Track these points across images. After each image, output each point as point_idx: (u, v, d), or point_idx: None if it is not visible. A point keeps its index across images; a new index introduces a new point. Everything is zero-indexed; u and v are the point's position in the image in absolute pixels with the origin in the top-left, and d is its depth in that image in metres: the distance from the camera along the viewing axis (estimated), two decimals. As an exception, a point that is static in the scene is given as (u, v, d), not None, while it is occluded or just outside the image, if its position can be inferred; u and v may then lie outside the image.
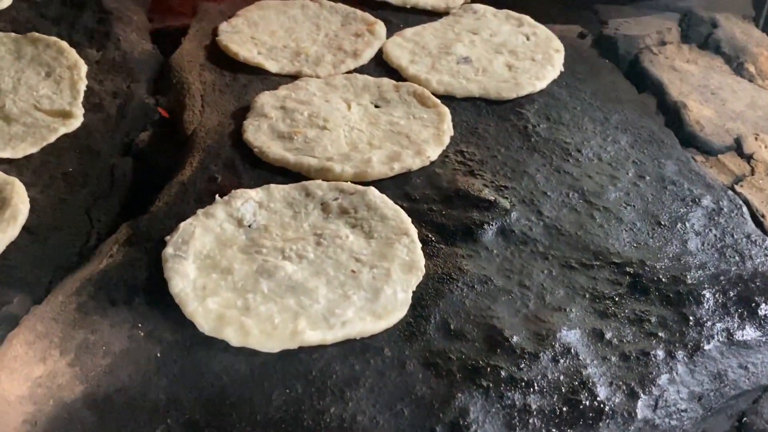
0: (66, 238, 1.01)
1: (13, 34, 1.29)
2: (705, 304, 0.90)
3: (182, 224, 0.96)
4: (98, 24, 1.36)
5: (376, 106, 1.23)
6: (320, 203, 1.02)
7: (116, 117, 1.20)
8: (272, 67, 1.31)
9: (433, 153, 1.13)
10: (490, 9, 1.51)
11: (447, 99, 1.26)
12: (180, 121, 1.20)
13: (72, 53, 1.26)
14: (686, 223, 1.03)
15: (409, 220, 0.99)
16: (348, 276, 0.90)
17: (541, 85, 1.30)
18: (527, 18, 1.48)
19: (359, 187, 1.04)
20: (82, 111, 1.17)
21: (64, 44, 1.27)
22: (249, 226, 0.97)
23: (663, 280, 0.93)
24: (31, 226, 0.99)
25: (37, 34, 1.29)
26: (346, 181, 1.06)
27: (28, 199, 1.02)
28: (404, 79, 1.31)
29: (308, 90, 1.24)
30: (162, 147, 1.21)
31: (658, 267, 0.95)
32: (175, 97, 1.26)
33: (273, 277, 0.89)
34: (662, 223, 1.03)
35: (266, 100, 1.20)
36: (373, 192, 1.03)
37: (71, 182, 1.08)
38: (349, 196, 1.02)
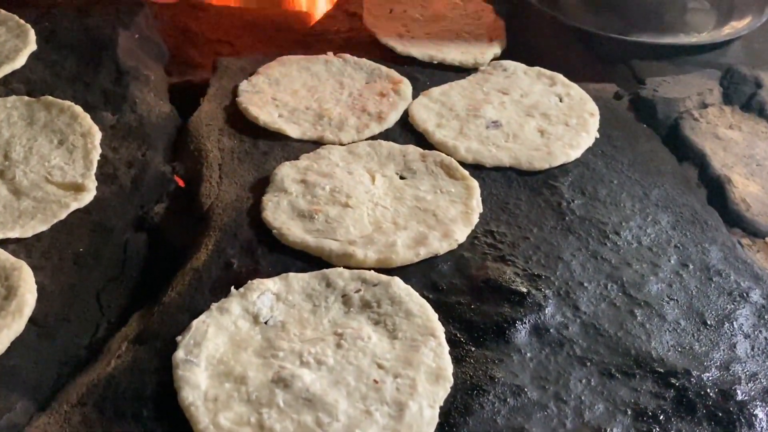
0: (74, 330, 0.96)
1: (26, 97, 1.25)
2: (758, 426, 0.83)
3: (195, 322, 0.90)
4: (114, 85, 1.31)
5: (402, 177, 1.17)
6: (341, 295, 0.96)
7: (130, 189, 1.15)
8: (294, 132, 1.26)
9: (461, 235, 1.06)
10: (521, 66, 1.44)
11: (476, 168, 1.20)
12: (196, 194, 1.15)
13: (86, 119, 1.21)
14: (734, 323, 0.96)
15: (435, 317, 0.93)
16: (370, 387, 0.84)
17: (575, 154, 1.23)
18: (560, 76, 1.41)
19: (383, 277, 0.98)
20: (95, 183, 1.13)
21: (78, 109, 1.23)
22: (265, 323, 0.92)
23: (711, 394, 0.86)
24: (38, 317, 0.94)
25: (50, 98, 1.24)
26: (369, 268, 1.00)
27: (35, 287, 0.97)
28: (431, 144, 1.25)
29: (330, 160, 1.19)
30: (177, 220, 1.16)
31: (705, 378, 0.88)
32: (192, 165, 1.21)
33: (290, 388, 0.83)
34: (708, 322, 0.96)
35: (286, 172, 1.15)
36: (397, 284, 0.97)
37: (81, 264, 1.03)
38: (372, 288, 0.96)
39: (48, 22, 1.43)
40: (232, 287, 0.95)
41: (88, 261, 1.04)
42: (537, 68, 1.43)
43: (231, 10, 1.74)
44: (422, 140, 1.27)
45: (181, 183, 1.22)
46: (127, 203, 1.13)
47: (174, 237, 1.14)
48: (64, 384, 0.89)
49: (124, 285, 1.05)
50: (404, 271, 1.01)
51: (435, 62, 1.46)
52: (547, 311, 0.96)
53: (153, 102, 1.31)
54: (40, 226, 1.06)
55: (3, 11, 1.44)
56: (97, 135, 1.19)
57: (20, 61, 1.32)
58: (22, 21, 1.40)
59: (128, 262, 1.07)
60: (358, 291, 0.96)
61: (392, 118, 1.30)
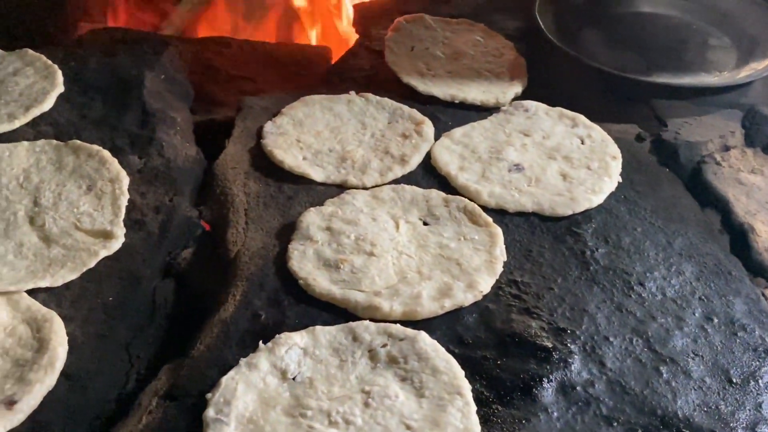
0: (104, 383, 0.97)
1: (54, 141, 1.27)
2: (786, 495, 0.83)
3: (224, 379, 0.91)
4: (141, 127, 1.32)
5: (425, 224, 1.18)
6: (368, 350, 0.97)
7: (158, 235, 1.16)
8: (318, 176, 1.27)
9: (486, 286, 1.07)
10: (542, 106, 1.45)
11: (498, 213, 1.21)
12: (223, 240, 1.16)
13: (114, 164, 1.23)
14: (759, 381, 0.96)
15: (462, 374, 0.94)
16: (398, 450, 0.85)
17: (598, 200, 1.24)
18: (581, 117, 1.41)
19: (409, 331, 0.98)
20: (124, 230, 1.14)
21: (107, 154, 1.24)
22: (293, 379, 0.93)
23: (738, 457, 0.86)
24: (69, 370, 0.96)
25: (78, 142, 1.26)
26: (395, 321, 1.01)
27: (66, 340, 0.98)
28: (453, 187, 1.26)
29: (355, 205, 1.20)
30: (204, 266, 1.17)
31: (732, 441, 0.88)
32: (218, 210, 1.22)
33: (319, 451, 0.84)
34: (733, 380, 0.96)
35: (312, 219, 1.16)
36: (423, 339, 0.97)
37: (111, 314, 1.05)
38: (399, 343, 0.97)
39: (74, 62, 1.44)
40: (261, 342, 0.96)
41: (117, 310, 1.05)
42: (558, 109, 1.44)
43: (252, 46, 1.75)
44: (445, 183, 1.27)
45: (207, 227, 1.23)
46: (155, 250, 1.15)
47: (200, 283, 1.15)
48: (96, 441, 0.91)
49: (152, 334, 1.06)
50: (429, 324, 1.02)
51: (456, 101, 1.47)
52: (573, 368, 0.96)
53: (179, 145, 1.32)
54: (70, 275, 1.07)
55: (30, 51, 1.46)
56: (125, 180, 1.21)
57: (48, 103, 1.33)
58: (49, 62, 1.42)
59: (156, 311, 1.09)
60: (384, 346, 0.97)
61: (415, 160, 1.31)
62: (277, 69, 1.68)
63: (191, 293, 1.14)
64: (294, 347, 0.96)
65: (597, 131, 1.39)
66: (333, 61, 1.74)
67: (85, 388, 0.95)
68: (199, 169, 1.31)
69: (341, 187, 1.26)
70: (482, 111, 1.45)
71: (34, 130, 1.30)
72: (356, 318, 1.02)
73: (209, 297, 1.12)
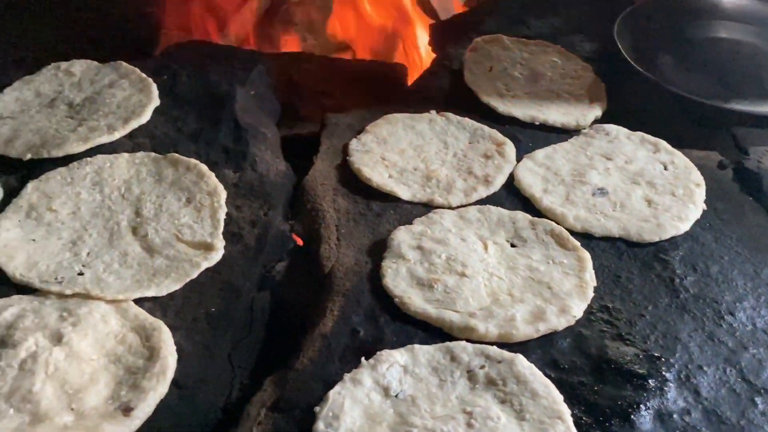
0: (211, 392, 1.01)
1: (153, 154, 1.31)
2: None
3: (331, 394, 0.94)
4: (234, 142, 1.37)
5: (513, 245, 1.20)
6: (466, 371, 0.99)
7: (255, 248, 1.20)
8: (404, 194, 1.30)
9: (578, 310, 1.09)
10: (623, 130, 1.46)
11: (584, 237, 1.23)
12: (317, 255, 1.19)
13: (212, 178, 1.27)
14: None
15: (561, 398, 0.96)
16: (504, 471, 0.87)
17: (684, 227, 1.25)
18: (663, 143, 1.42)
19: (506, 354, 1.01)
20: (223, 243, 1.18)
21: (204, 168, 1.28)
22: (396, 396, 0.95)
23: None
24: (179, 378, 1.00)
25: (176, 156, 1.30)
26: (490, 343, 1.03)
27: (175, 349, 1.02)
28: (537, 210, 1.28)
29: (443, 225, 1.22)
30: (297, 279, 1.21)
31: (832, 475, 0.89)
32: (309, 225, 1.26)
33: (427, 469, 0.86)
34: (831, 414, 0.96)
35: (402, 237, 1.19)
36: (521, 362, 0.99)
37: (214, 324, 1.08)
38: (497, 365, 0.99)
39: (167, 75, 1.50)
40: (363, 358, 0.99)
41: (219, 321, 1.09)
42: (640, 133, 1.45)
43: (331, 61, 1.79)
44: (528, 205, 1.30)
45: (299, 242, 1.27)
46: (253, 262, 1.18)
47: (294, 295, 1.19)
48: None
49: (251, 345, 1.10)
50: (524, 347, 1.04)
51: (537, 123, 1.49)
52: (669, 396, 0.98)
53: (270, 160, 1.36)
54: (174, 285, 1.11)
55: (124, 64, 1.51)
56: (223, 194, 1.25)
57: (146, 116, 1.38)
58: (143, 75, 1.47)
59: (254, 322, 1.12)
60: (482, 367, 0.99)
61: (498, 181, 1.33)
62: (357, 85, 1.72)
63: (285, 305, 1.18)
64: (395, 365, 0.99)
65: (679, 157, 1.40)
66: (408, 79, 1.78)
67: (194, 397, 0.99)
68: (289, 184, 1.35)
69: (427, 206, 1.29)
70: (562, 133, 1.47)
71: (132, 142, 1.35)
72: (450, 337, 1.05)
73: (303, 309, 1.16)
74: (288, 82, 1.67)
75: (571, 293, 1.11)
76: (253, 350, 1.09)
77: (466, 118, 1.48)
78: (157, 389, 0.96)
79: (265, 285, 1.19)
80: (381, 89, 1.71)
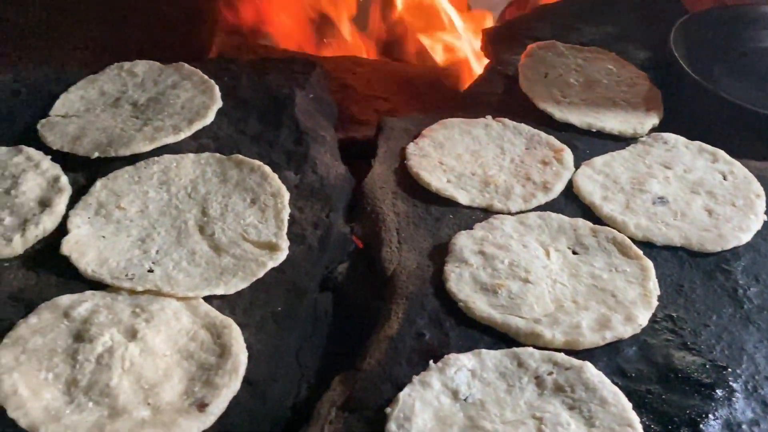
0: (280, 390, 1.02)
1: (217, 154, 1.33)
2: None
3: (401, 395, 0.96)
4: (295, 145, 1.38)
5: (574, 252, 1.21)
6: (534, 376, 1.00)
7: (318, 249, 1.22)
8: (463, 199, 1.31)
9: (644, 319, 1.09)
10: (681, 139, 1.46)
11: (645, 245, 1.23)
12: (378, 258, 1.20)
13: (275, 180, 1.29)
14: None
15: (630, 406, 0.96)
16: (577, 477, 0.87)
17: (746, 237, 1.24)
18: (722, 153, 1.42)
19: (574, 361, 1.01)
20: (287, 243, 1.20)
21: (267, 169, 1.30)
22: (465, 400, 0.96)
23: None
24: (250, 376, 1.01)
25: (240, 157, 1.32)
26: (557, 349, 1.04)
27: (245, 346, 1.04)
28: (597, 217, 1.28)
29: (504, 231, 1.23)
30: (358, 281, 1.22)
31: None
32: (370, 228, 1.27)
33: (500, 472, 0.87)
34: None
35: (464, 243, 1.20)
36: (590, 369, 1.00)
37: (281, 323, 1.10)
38: (565, 372, 1.00)
39: (227, 78, 1.52)
40: (431, 361, 1.00)
41: (286, 320, 1.11)
42: (698, 143, 1.45)
43: (383, 65, 1.81)
44: (588, 212, 1.30)
45: (359, 244, 1.28)
46: (316, 263, 1.20)
47: (356, 297, 1.20)
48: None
49: (316, 344, 1.11)
50: (589, 354, 1.04)
51: (593, 130, 1.49)
52: (737, 406, 0.98)
53: (330, 162, 1.38)
54: (242, 284, 1.13)
55: (186, 65, 1.53)
56: (286, 195, 1.26)
57: (210, 117, 1.40)
58: (205, 76, 1.50)
59: (318, 322, 1.14)
60: (550, 374, 1.00)
61: (557, 188, 1.34)
62: (409, 89, 1.73)
63: (347, 306, 1.19)
64: (463, 369, 1.00)
65: (738, 167, 1.39)
66: (460, 83, 1.79)
67: (264, 395, 1.01)
68: (348, 186, 1.36)
69: (486, 211, 1.29)
70: (618, 141, 1.47)
71: (196, 143, 1.37)
72: (516, 343, 1.06)
73: (365, 311, 1.17)
74: (341, 85, 1.68)
75: (635, 302, 1.11)
76: (318, 350, 1.11)
77: (522, 124, 1.48)
78: (230, 386, 0.98)
79: (327, 286, 1.20)
80: (433, 93, 1.72)
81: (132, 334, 1.01)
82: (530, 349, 1.03)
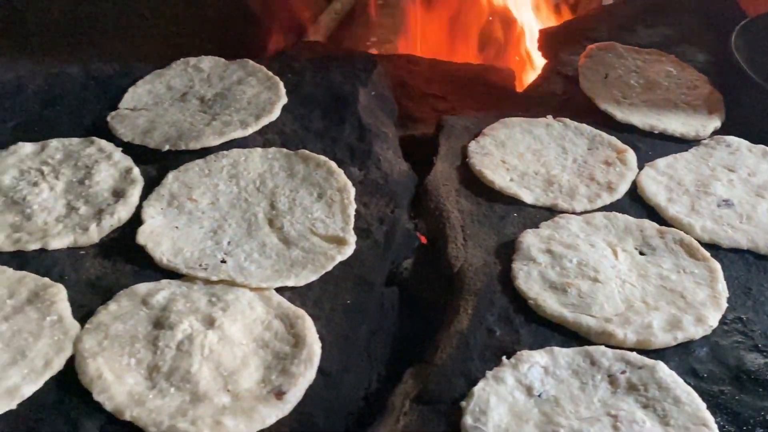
0: (353, 381, 1.04)
1: (284, 149, 1.36)
2: None
3: (476, 389, 0.96)
4: (359, 141, 1.40)
5: (641, 253, 1.21)
6: (607, 375, 1.00)
7: (384, 244, 1.23)
8: (528, 197, 1.31)
9: (714, 320, 1.08)
10: (744, 143, 1.45)
11: (711, 248, 1.22)
12: (444, 254, 1.21)
13: (341, 175, 1.30)
14: None
15: (704, 405, 0.96)
16: (655, 476, 0.88)
17: (815, 243, 1.23)
18: (787, 156, 1.41)
19: (647, 360, 1.01)
20: (355, 238, 1.21)
21: (333, 165, 1.32)
22: (539, 396, 0.97)
23: None
24: (323, 366, 1.03)
25: (307, 152, 1.34)
26: (628, 349, 1.04)
27: (318, 337, 1.06)
28: (662, 219, 1.28)
29: (570, 230, 1.23)
30: (423, 276, 1.23)
31: None
32: (434, 225, 1.28)
33: (578, 467, 0.88)
34: None
35: (531, 241, 1.20)
36: (662, 368, 1.00)
37: (350, 316, 1.12)
38: (638, 370, 1.00)
39: (291, 74, 1.54)
40: (504, 357, 1.01)
41: (355, 313, 1.12)
42: (762, 146, 1.44)
43: (440, 64, 1.82)
44: (652, 214, 1.30)
45: (423, 240, 1.29)
46: (382, 258, 1.21)
47: (421, 292, 1.21)
48: (353, 436, 0.98)
49: (384, 337, 1.13)
50: (660, 354, 1.04)
51: (655, 132, 1.48)
52: (813, 410, 0.97)
53: (393, 159, 1.39)
54: (311, 276, 1.14)
55: (251, 62, 1.56)
56: (352, 191, 1.28)
57: (275, 113, 1.43)
58: (270, 73, 1.52)
59: (386, 315, 1.15)
60: (623, 372, 1.00)
61: (622, 189, 1.34)
62: (466, 88, 1.74)
63: (412, 301, 1.20)
64: (535, 365, 1.00)
65: (804, 172, 1.38)
66: (516, 83, 1.79)
67: (338, 385, 1.02)
68: (411, 183, 1.37)
69: (550, 211, 1.30)
70: (680, 143, 1.46)
71: (262, 138, 1.40)
72: (587, 341, 1.06)
73: (430, 306, 1.18)
74: (399, 83, 1.70)
75: (705, 303, 1.11)
76: (386, 343, 1.12)
77: (584, 124, 1.48)
78: (306, 375, 1.00)
79: (392, 281, 1.22)
80: (489, 92, 1.73)
81: (210, 322, 1.04)
82: (602, 348, 1.03)
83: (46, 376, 0.96)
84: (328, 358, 1.04)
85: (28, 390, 0.93)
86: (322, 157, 1.34)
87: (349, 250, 1.19)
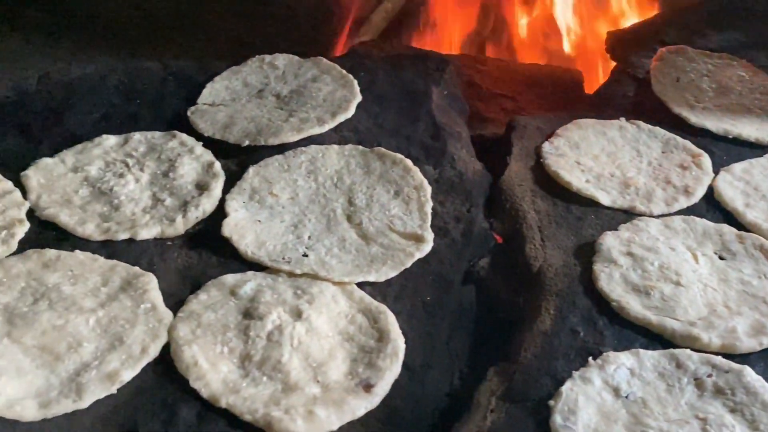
0: (436, 377, 1.05)
1: (360, 147, 1.37)
2: None
3: (563, 389, 0.97)
4: (433, 140, 1.41)
5: (721, 258, 1.20)
6: (693, 378, 1.00)
7: (461, 243, 1.24)
8: (605, 199, 1.31)
9: (799, 327, 1.08)
10: (821, 150, 1.43)
11: (790, 254, 1.21)
12: (522, 254, 1.22)
13: (417, 173, 1.32)
14: None
15: (794, 412, 0.95)
16: (750, 481, 0.87)
17: None
18: None
19: (734, 364, 1.01)
20: (432, 235, 1.22)
21: (409, 163, 1.33)
22: (626, 397, 0.97)
23: None
24: (407, 361, 1.04)
25: (383, 150, 1.36)
26: (713, 353, 1.03)
27: (401, 332, 1.07)
28: (740, 224, 1.27)
29: (650, 233, 1.23)
30: (500, 276, 1.24)
31: None
32: (510, 225, 1.29)
33: (670, 470, 0.88)
34: None
35: (611, 243, 1.20)
36: (750, 373, 0.99)
37: (430, 313, 1.13)
38: (724, 374, 1.00)
39: (364, 72, 1.56)
40: (590, 358, 1.01)
41: (436, 310, 1.13)
42: (839, 157, 1.42)
43: (507, 64, 1.82)
44: (730, 218, 1.29)
45: (499, 240, 1.30)
46: (459, 257, 1.22)
47: (497, 292, 1.22)
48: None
49: (463, 335, 1.14)
50: (745, 359, 1.03)
51: (729, 136, 1.47)
52: None
53: (467, 159, 1.40)
54: (391, 272, 1.16)
55: (325, 60, 1.58)
56: (428, 189, 1.29)
57: (351, 111, 1.44)
58: (343, 71, 1.54)
59: (464, 313, 1.16)
60: (709, 376, 0.99)
61: (699, 193, 1.33)
62: (534, 89, 1.74)
63: (489, 300, 1.21)
64: (622, 367, 1.00)
65: None
66: (584, 84, 1.79)
67: (422, 380, 1.03)
68: (486, 183, 1.38)
69: (627, 213, 1.29)
70: (754, 148, 1.45)
71: (338, 135, 1.42)
72: (670, 344, 1.06)
73: (507, 305, 1.19)
74: (468, 83, 1.70)
75: (789, 309, 1.10)
76: (465, 341, 1.13)
77: (657, 127, 1.48)
78: (392, 369, 1.01)
79: (469, 279, 1.22)
80: (558, 93, 1.73)
81: (297, 314, 1.06)
82: (688, 351, 1.03)
83: (144, 363, 0.98)
84: (411, 354, 1.05)
85: (127, 375, 0.96)
86: (399, 155, 1.35)
87: (427, 247, 1.20)
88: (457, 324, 1.14)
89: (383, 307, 1.10)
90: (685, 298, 1.11)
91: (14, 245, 1.15)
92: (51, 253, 1.13)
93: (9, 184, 1.26)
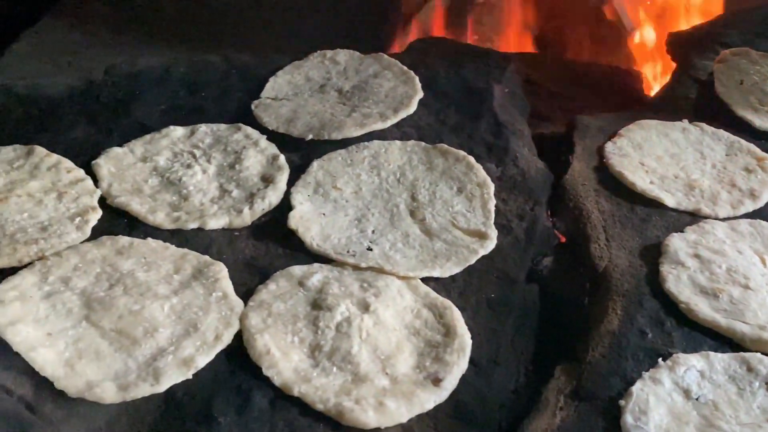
0: (502, 374, 1.05)
1: (422, 143, 1.38)
2: None
3: (634, 389, 0.96)
4: (495, 137, 1.41)
5: (790, 263, 1.18)
6: (765, 382, 0.99)
7: (525, 241, 1.24)
8: (670, 201, 1.30)
9: None
10: None
11: None
12: (587, 254, 1.22)
13: (480, 170, 1.32)
14: None
15: None
16: (826, 486, 0.86)
17: None
18: None
19: (807, 371, 1.00)
20: (496, 233, 1.22)
21: (472, 160, 1.34)
22: (697, 399, 0.96)
23: None
24: (473, 357, 1.05)
25: (445, 147, 1.36)
26: (781, 357, 1.02)
27: (466, 328, 1.07)
28: (806, 229, 1.25)
29: (716, 236, 1.22)
30: (564, 275, 1.24)
31: None
32: (573, 224, 1.28)
33: (745, 474, 0.87)
34: None
35: (678, 245, 1.19)
36: (824, 380, 0.98)
37: (495, 309, 1.13)
38: (798, 380, 0.98)
39: (424, 69, 1.56)
40: (660, 359, 1.01)
41: (500, 307, 1.13)
42: None
43: (564, 63, 1.81)
44: (797, 222, 1.27)
45: (562, 239, 1.30)
46: (523, 255, 1.22)
47: (561, 291, 1.22)
48: (507, 428, 0.99)
49: (528, 333, 1.13)
50: (818, 366, 1.02)
51: (795, 141, 1.45)
52: None
53: (529, 158, 1.40)
54: (455, 268, 1.16)
55: (386, 56, 1.59)
56: (491, 186, 1.29)
57: (413, 107, 1.45)
58: (404, 67, 1.55)
59: (528, 311, 1.16)
60: (782, 381, 0.98)
61: (765, 196, 1.31)
62: (592, 88, 1.73)
63: (552, 299, 1.21)
64: (692, 368, 1.00)
65: None
66: (643, 85, 1.78)
67: (489, 377, 1.04)
68: (548, 181, 1.38)
69: (692, 215, 1.28)
70: (821, 155, 1.43)
71: (399, 131, 1.42)
72: (739, 347, 1.05)
73: (571, 304, 1.19)
74: (526, 81, 1.70)
75: None
76: (529, 339, 1.13)
77: (721, 130, 1.46)
78: (460, 364, 1.01)
79: (532, 278, 1.22)
80: (618, 93, 1.72)
81: (365, 307, 1.07)
82: (759, 355, 1.02)
83: (218, 349, 1.00)
84: (477, 350, 1.06)
85: (202, 361, 0.98)
86: (461, 152, 1.35)
87: (491, 244, 1.21)
88: (522, 322, 1.14)
89: (448, 303, 1.10)
90: (755, 302, 1.10)
91: (88, 231, 1.17)
92: (124, 240, 1.16)
93: (81, 172, 1.29)
